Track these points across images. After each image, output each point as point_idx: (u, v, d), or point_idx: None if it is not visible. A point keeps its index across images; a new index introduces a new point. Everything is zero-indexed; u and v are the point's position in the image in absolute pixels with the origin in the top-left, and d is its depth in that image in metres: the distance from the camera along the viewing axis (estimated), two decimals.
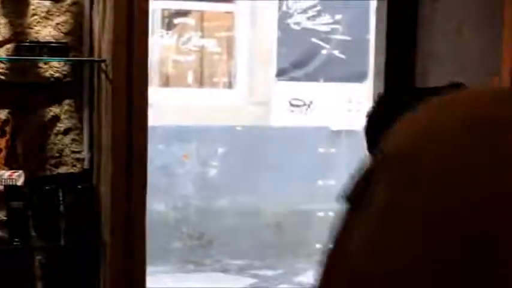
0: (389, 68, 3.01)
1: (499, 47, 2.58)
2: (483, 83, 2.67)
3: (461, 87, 1.52)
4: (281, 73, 8.33)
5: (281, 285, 6.49)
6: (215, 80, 8.40)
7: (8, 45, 2.75)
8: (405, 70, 2.98)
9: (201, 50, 8.31)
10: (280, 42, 8.13)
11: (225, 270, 6.67)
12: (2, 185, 2.64)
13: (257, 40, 8.17)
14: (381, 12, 3.08)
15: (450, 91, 1.58)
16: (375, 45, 3.17)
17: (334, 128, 7.89)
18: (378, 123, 1.49)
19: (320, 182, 7.40)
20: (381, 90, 2.91)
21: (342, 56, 7.97)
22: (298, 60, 8.33)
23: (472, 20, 2.76)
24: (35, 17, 2.77)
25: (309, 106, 7.77)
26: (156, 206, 6.15)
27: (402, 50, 3.02)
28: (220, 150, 7.54)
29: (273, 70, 8.15)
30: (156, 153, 6.24)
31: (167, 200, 6.95)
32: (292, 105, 7.82)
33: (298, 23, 8.12)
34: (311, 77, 7.99)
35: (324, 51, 8.15)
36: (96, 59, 2.74)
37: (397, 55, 3.02)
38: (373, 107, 1.52)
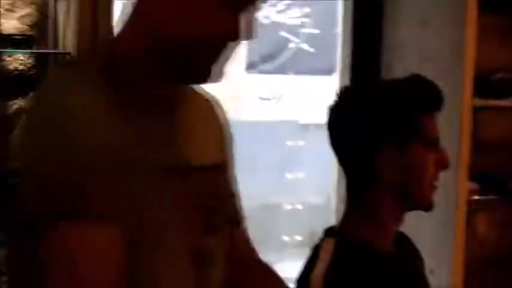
0: (355, 61, 3.02)
1: (463, 41, 2.60)
2: (447, 75, 2.69)
3: (420, 79, 1.53)
4: (250, 67, 8.33)
5: None
6: None
7: None
8: (371, 63, 2.99)
9: None
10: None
11: None
12: None
13: None
14: (347, 5, 3.09)
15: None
16: (342, 38, 3.18)
17: (303, 122, 7.90)
18: (340, 117, 1.50)
19: (288, 175, 7.41)
20: (347, 83, 2.91)
21: (311, 49, 7.97)
22: (268, 54, 8.34)
23: (437, 13, 2.77)
24: None
25: (278, 99, 7.77)
26: None
27: (368, 43, 3.03)
28: None
29: (243, 64, 8.14)
30: None
31: None
32: (261, 98, 7.83)
33: (267, 17, 8.12)
34: (280, 71, 7.98)
35: (292, 45, 8.15)
36: (61, 51, 2.72)
37: (363, 48, 3.03)
38: (335, 101, 1.52)
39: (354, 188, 1.51)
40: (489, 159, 3.09)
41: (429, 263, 2.88)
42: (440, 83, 2.70)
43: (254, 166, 7.31)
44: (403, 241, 1.61)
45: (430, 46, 2.75)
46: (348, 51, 3.07)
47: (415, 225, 2.81)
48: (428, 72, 2.75)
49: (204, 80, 1.28)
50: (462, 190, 2.66)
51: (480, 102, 2.82)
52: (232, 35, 1.23)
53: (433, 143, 1.51)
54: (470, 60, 2.59)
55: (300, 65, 8.10)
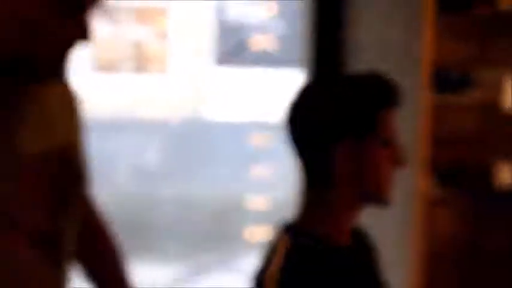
0: (316, 57, 3.05)
1: (421, 38, 2.64)
2: (406, 71, 2.73)
3: (378, 76, 1.55)
4: (217, 62, 8.34)
5: (218, 272, 6.51)
6: (150, 68, 8.34)
7: None
8: (332, 59, 3.01)
9: (137, 37, 8.24)
10: (217, 31, 8.13)
11: (162, 259, 6.66)
12: None
13: (193, 29, 8.13)
14: (309, 1, 3.11)
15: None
16: (304, 33, 3.21)
17: (270, 118, 7.93)
18: (299, 112, 1.51)
19: (254, 172, 7.44)
20: (309, 79, 2.94)
21: (278, 45, 8.00)
22: (235, 49, 8.36)
23: (396, 10, 2.81)
24: None
25: (245, 95, 7.79)
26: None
27: (329, 40, 3.06)
28: (155, 140, 7.50)
29: (210, 59, 8.16)
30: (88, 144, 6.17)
31: (103, 190, 6.88)
32: (228, 93, 7.84)
33: (234, 12, 8.12)
34: (247, 66, 8.00)
35: (260, 41, 8.17)
36: None
37: (324, 45, 3.06)
38: (295, 97, 1.53)
39: (310, 184, 1.52)
40: (447, 154, 3.14)
41: (388, 258, 2.94)
42: (399, 80, 2.75)
43: (219, 163, 7.33)
44: (360, 236, 1.62)
45: (389, 43, 2.79)
46: (310, 47, 3.09)
47: (374, 221, 2.86)
48: (387, 68, 2.79)
49: (54, 77, 1.33)
50: (420, 185, 2.70)
51: (438, 98, 2.87)
52: (79, 37, 1.27)
53: (389, 139, 1.51)
54: (428, 57, 2.63)
55: (267, 61, 8.13)
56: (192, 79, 8.19)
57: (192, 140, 7.68)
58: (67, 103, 1.44)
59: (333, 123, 1.47)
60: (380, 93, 1.49)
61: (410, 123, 2.69)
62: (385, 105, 1.49)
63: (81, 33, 1.29)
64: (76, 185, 1.38)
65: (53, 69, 1.31)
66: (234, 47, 8.20)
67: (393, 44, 2.79)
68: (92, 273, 1.64)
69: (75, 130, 1.43)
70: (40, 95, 1.34)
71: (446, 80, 2.93)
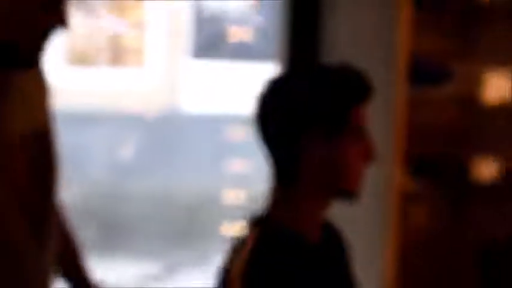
0: (291, 49, 3.02)
1: (397, 30, 2.62)
2: (382, 63, 2.70)
3: (351, 69, 1.53)
4: (194, 55, 8.29)
5: (193, 269, 6.51)
6: (126, 60, 8.29)
7: None
8: (307, 51, 2.98)
9: (112, 30, 8.19)
10: (194, 23, 8.08)
11: (136, 256, 6.64)
12: None
13: (170, 22, 8.09)
14: None
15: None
16: (280, 26, 3.17)
17: (246, 112, 7.92)
18: (268, 105, 1.49)
19: (230, 166, 7.43)
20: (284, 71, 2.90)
21: (256, 37, 7.97)
22: (212, 42, 8.31)
23: (372, 2, 2.78)
24: None
25: (222, 88, 7.76)
26: (64, 192, 6.04)
27: (305, 32, 3.03)
28: (131, 134, 7.47)
29: (186, 52, 8.11)
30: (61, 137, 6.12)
31: (76, 186, 6.85)
32: (205, 86, 7.81)
33: (212, 5, 8.08)
34: (224, 59, 7.97)
35: (238, 33, 8.13)
36: None
37: (299, 37, 3.02)
38: (264, 89, 1.51)
39: (278, 177, 1.51)
40: (423, 147, 3.12)
41: (363, 253, 2.90)
42: (376, 72, 2.71)
43: (195, 157, 7.31)
44: (332, 232, 1.61)
45: (365, 35, 2.76)
46: (285, 40, 3.06)
47: (349, 215, 2.83)
48: (363, 60, 2.76)
49: (33, 65, 1.46)
50: (396, 179, 2.68)
51: (413, 91, 2.84)
52: (58, 24, 1.39)
53: (360, 133, 1.50)
54: (405, 48, 2.60)
55: (245, 54, 8.10)
56: (168, 71, 8.16)
57: (168, 133, 7.66)
58: (42, 90, 1.57)
59: (301, 118, 1.46)
60: (351, 88, 1.49)
61: (386, 116, 2.66)
62: (356, 100, 1.48)
63: (60, 21, 1.38)
64: (53, 170, 1.48)
65: (32, 57, 1.43)
66: (211, 40, 8.17)
67: (369, 35, 2.76)
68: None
69: (49, 116, 1.54)
70: (20, 81, 1.46)
71: (423, 72, 2.91)
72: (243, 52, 8.14)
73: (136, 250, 6.70)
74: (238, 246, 1.47)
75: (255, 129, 1.52)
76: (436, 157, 3.11)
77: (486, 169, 3.01)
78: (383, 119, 2.69)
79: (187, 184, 7.35)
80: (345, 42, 2.85)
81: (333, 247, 1.58)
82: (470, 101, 3.02)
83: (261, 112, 1.50)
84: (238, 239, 1.50)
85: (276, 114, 1.46)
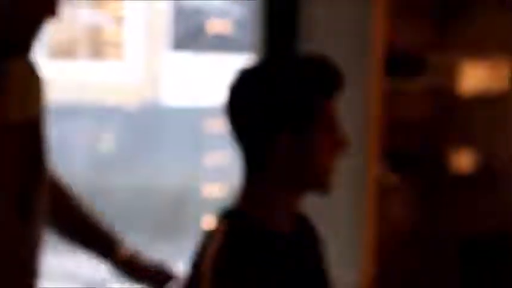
0: (269, 41, 3.01)
1: (372, 21, 2.62)
2: (358, 54, 2.70)
3: (322, 61, 1.51)
4: (174, 47, 8.26)
5: (174, 263, 6.48)
6: (107, 53, 8.25)
7: None
8: (285, 42, 2.98)
9: (92, 24, 8.15)
10: (174, 16, 8.05)
11: None
12: None
13: (150, 14, 8.05)
14: None
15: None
16: (257, 17, 3.16)
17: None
18: (239, 95, 1.48)
19: (208, 159, 7.41)
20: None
21: (237, 29, 7.95)
22: (192, 35, 8.27)
23: None
24: None
25: (202, 80, 7.73)
26: None
27: (282, 23, 3.02)
28: (112, 126, 7.44)
29: (165, 45, 8.07)
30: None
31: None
32: (185, 79, 7.78)
33: None
34: (204, 51, 7.95)
35: (217, 25, 8.10)
36: None
37: (277, 28, 3.02)
38: (235, 79, 1.49)
39: (250, 168, 1.50)
40: (400, 139, 3.12)
41: (340, 245, 2.90)
42: (351, 63, 2.71)
43: (176, 150, 7.28)
44: (305, 225, 1.60)
45: (342, 26, 2.76)
46: (262, 32, 3.05)
47: (326, 208, 2.83)
48: (339, 52, 2.75)
49: (26, 52, 1.52)
50: (371, 172, 2.68)
51: (389, 82, 2.84)
52: (49, 14, 1.44)
53: (331, 125, 1.48)
54: (380, 40, 2.60)
55: (225, 46, 8.07)
56: (148, 64, 8.13)
57: (149, 126, 7.62)
58: (35, 81, 1.62)
59: (272, 110, 1.45)
60: (321, 80, 1.48)
61: (362, 108, 2.65)
62: (326, 92, 1.47)
63: (51, 10, 1.42)
64: (43, 155, 1.56)
65: (24, 45, 1.48)
66: (191, 33, 8.14)
67: (346, 26, 2.76)
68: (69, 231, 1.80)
69: (41, 105, 1.61)
70: (13, 71, 1.51)
71: (399, 63, 2.91)
72: (223, 44, 8.11)
73: None
74: (207, 240, 1.46)
75: (226, 120, 1.50)
76: (413, 149, 3.11)
77: (464, 161, 3.02)
78: (358, 111, 2.69)
79: (168, 177, 7.33)
80: (321, 33, 2.85)
81: (305, 239, 1.57)
82: (446, 92, 3.02)
83: (231, 103, 1.49)
84: (208, 232, 1.49)
85: (245, 106, 1.46)
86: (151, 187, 7.22)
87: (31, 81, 1.61)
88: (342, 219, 2.79)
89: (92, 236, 1.84)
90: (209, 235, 1.48)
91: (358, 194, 2.72)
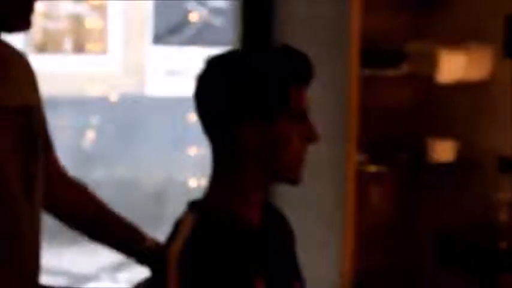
0: (246, 32, 3.02)
1: (349, 11, 2.63)
2: (334, 42, 2.72)
3: (291, 50, 1.50)
4: (156, 40, 8.23)
5: None
6: (89, 45, 8.23)
7: None
8: (262, 34, 2.99)
9: (74, 15, 8.12)
10: (155, 8, 8.03)
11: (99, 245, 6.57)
12: None
13: (131, 6, 8.03)
14: None
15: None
16: (236, 10, 3.17)
17: None
18: (206, 85, 1.47)
19: (194, 151, 7.40)
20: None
21: (219, 21, 7.94)
22: (174, 26, 8.25)
23: None
24: None
25: (184, 73, 7.72)
26: None
27: (260, 14, 3.03)
28: (94, 119, 7.41)
29: (148, 37, 8.05)
30: None
31: None
32: (166, 72, 7.76)
33: None
34: (187, 43, 7.94)
35: (199, 18, 8.08)
36: None
37: (254, 20, 3.02)
38: (203, 69, 1.49)
39: (218, 159, 1.49)
40: (378, 128, 3.13)
41: (321, 235, 2.92)
42: (328, 53, 2.73)
43: (158, 141, 7.27)
44: (273, 213, 1.59)
45: (319, 17, 2.77)
46: (240, 23, 3.06)
47: (305, 198, 2.84)
48: (316, 42, 2.77)
49: (24, 28, 1.60)
50: (351, 161, 2.69)
51: (367, 72, 2.85)
52: None
53: (300, 115, 1.47)
54: (356, 30, 2.61)
55: (207, 38, 8.06)
56: (131, 55, 8.10)
57: (132, 118, 7.59)
58: (28, 68, 1.69)
59: (237, 98, 1.44)
60: (289, 69, 1.45)
61: (339, 96, 2.67)
62: (294, 81, 1.45)
63: None
64: (40, 139, 1.66)
65: (14, 30, 1.56)
66: (174, 23, 8.12)
67: (323, 16, 2.77)
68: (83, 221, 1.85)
69: (37, 94, 1.71)
70: (3, 55, 1.60)
71: (378, 54, 2.92)
72: (205, 35, 8.09)
73: None
74: (175, 231, 1.46)
75: (194, 109, 1.49)
76: (392, 139, 3.13)
77: (443, 150, 3.04)
78: (336, 100, 2.71)
79: (152, 169, 7.31)
80: (298, 22, 2.86)
81: (274, 231, 1.55)
82: (425, 81, 3.04)
83: (197, 92, 1.48)
84: (176, 224, 1.49)
85: (212, 94, 1.45)
86: (135, 179, 7.20)
87: (24, 70, 1.69)
88: (321, 209, 2.81)
89: (116, 228, 1.86)
90: (177, 227, 1.47)
91: (338, 182, 2.73)
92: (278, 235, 1.57)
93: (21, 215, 1.61)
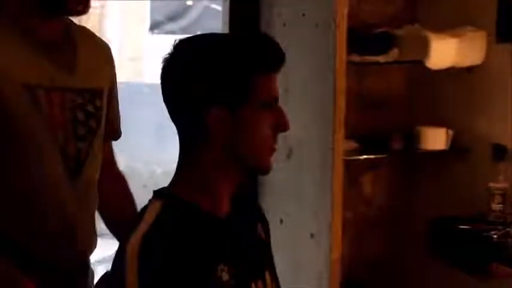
0: (234, 17, 3.01)
1: None
2: (323, 31, 2.70)
3: (259, 38, 1.48)
4: (154, 27, 8.20)
5: None
6: None
7: None
8: (250, 18, 2.98)
9: None
10: None
11: (100, 235, 6.59)
12: None
13: None
14: None
15: None
16: None
17: None
18: (172, 70, 1.45)
19: None
20: None
21: (218, 8, 7.91)
22: (172, 14, 8.22)
23: None
24: None
25: None
26: None
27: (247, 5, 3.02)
28: None
29: (146, 24, 8.03)
30: None
31: None
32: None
33: None
34: (187, 31, 7.90)
35: (199, 4, 8.06)
36: None
37: (242, 4, 3.01)
38: (169, 53, 1.47)
39: (184, 147, 1.47)
40: (369, 117, 3.13)
41: (310, 226, 2.91)
42: (317, 38, 2.71)
43: (158, 131, 7.26)
44: (245, 204, 1.56)
45: (307, 2, 2.75)
46: (228, 7, 3.05)
47: (295, 187, 2.83)
48: (304, 27, 2.76)
49: (81, 12, 1.75)
50: (338, 149, 2.67)
51: (357, 58, 2.84)
52: None
53: (268, 104, 1.43)
54: (343, 15, 2.60)
55: (206, 25, 8.04)
56: (129, 43, 8.10)
57: (129, 106, 7.57)
58: (97, 50, 1.87)
59: (207, 87, 1.41)
60: (253, 57, 1.42)
61: (328, 84, 2.66)
62: (259, 69, 1.41)
63: None
64: (98, 124, 1.79)
65: (72, 13, 1.76)
66: (172, 11, 8.11)
67: (311, 2, 2.76)
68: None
69: (102, 75, 1.87)
70: (69, 39, 1.78)
71: (369, 40, 2.91)
72: (204, 23, 8.08)
73: (101, 229, 6.65)
74: (138, 220, 1.42)
75: (162, 94, 1.46)
76: (383, 126, 3.12)
77: (435, 138, 3.02)
78: (325, 87, 2.69)
79: (152, 159, 7.32)
80: (286, 9, 2.85)
81: (244, 220, 1.52)
82: (416, 67, 3.03)
83: (163, 76, 1.45)
84: (140, 212, 1.46)
85: (177, 80, 1.42)
86: (134, 170, 7.21)
87: (95, 49, 1.87)
88: (311, 202, 2.80)
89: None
90: (141, 215, 1.45)
91: (326, 173, 2.72)
92: (248, 225, 1.54)
93: (65, 195, 1.73)
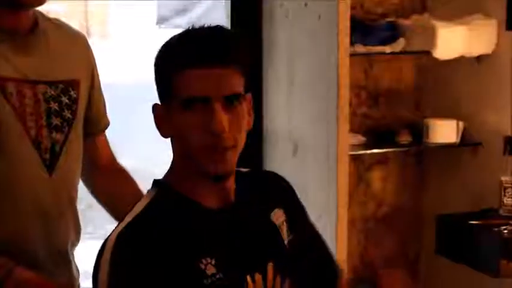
0: (236, 8, 3.01)
1: None
2: (326, 22, 2.69)
3: (193, 32, 1.47)
4: (161, 21, 8.24)
5: None
6: (92, 30, 8.26)
7: None
8: (252, 9, 2.98)
9: None
10: None
11: (105, 236, 6.59)
12: None
13: None
14: None
15: None
16: None
17: None
18: (166, 65, 1.45)
19: None
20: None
21: (225, 2, 7.92)
22: (180, 8, 8.26)
23: None
24: None
25: None
26: None
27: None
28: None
29: (153, 18, 8.07)
30: None
31: None
32: None
33: None
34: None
35: (202, 2, 8.09)
36: None
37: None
38: (161, 48, 1.47)
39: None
40: (380, 111, 3.12)
41: (315, 223, 2.90)
42: (320, 29, 2.70)
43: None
44: (264, 189, 1.53)
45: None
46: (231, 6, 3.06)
47: (301, 184, 2.83)
48: (306, 18, 2.75)
49: (38, 3, 1.73)
50: (343, 144, 2.67)
51: (362, 49, 2.83)
52: None
53: (192, 104, 1.37)
54: (347, 5, 2.59)
55: (215, 19, 8.02)
56: (135, 41, 8.13)
57: (137, 103, 7.61)
58: (71, 41, 1.84)
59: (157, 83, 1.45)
60: (174, 54, 1.39)
61: (330, 78, 2.65)
62: (178, 67, 1.38)
63: None
64: (74, 116, 1.79)
65: (27, 4, 1.70)
66: (176, 8, 8.13)
67: None
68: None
69: (77, 67, 1.84)
70: (42, 31, 1.75)
71: (373, 29, 2.90)
72: (213, 17, 8.10)
73: (107, 231, 6.66)
74: (130, 210, 1.45)
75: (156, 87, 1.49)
76: (392, 119, 3.11)
77: (445, 130, 3.00)
78: (329, 80, 2.69)
79: (157, 160, 7.34)
80: (294, 5, 2.85)
81: (251, 210, 1.47)
82: (423, 58, 3.01)
83: (159, 73, 1.46)
84: (134, 202, 1.48)
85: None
86: (138, 172, 7.22)
87: (69, 41, 1.84)
88: (317, 193, 2.79)
89: None
90: (133, 205, 1.46)
91: (332, 166, 2.71)
92: (256, 214, 1.50)
93: (40, 186, 1.74)
